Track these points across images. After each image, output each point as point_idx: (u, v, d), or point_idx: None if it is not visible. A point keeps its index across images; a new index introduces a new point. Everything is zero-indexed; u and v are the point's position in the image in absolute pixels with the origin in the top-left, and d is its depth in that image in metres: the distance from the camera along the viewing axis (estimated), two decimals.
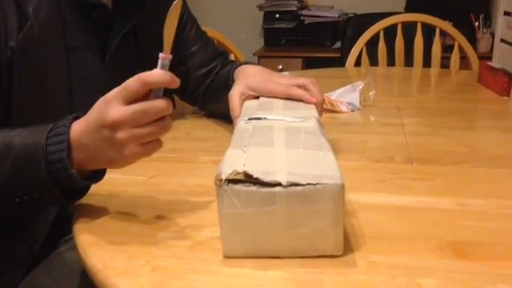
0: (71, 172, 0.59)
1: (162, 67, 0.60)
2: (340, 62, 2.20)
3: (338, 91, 1.16)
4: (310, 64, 2.85)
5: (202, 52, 1.07)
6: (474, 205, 0.66)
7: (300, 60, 2.89)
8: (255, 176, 0.50)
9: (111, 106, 0.57)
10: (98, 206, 0.68)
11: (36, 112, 0.78)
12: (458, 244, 0.56)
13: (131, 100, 0.57)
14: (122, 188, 0.73)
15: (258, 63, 2.91)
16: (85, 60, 0.83)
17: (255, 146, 0.59)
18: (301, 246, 0.53)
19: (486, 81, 1.32)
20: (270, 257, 0.53)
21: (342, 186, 0.50)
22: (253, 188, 0.50)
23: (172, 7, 0.58)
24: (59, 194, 0.61)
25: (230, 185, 0.50)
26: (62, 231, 0.79)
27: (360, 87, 1.15)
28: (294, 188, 0.50)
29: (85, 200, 0.70)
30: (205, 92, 1.06)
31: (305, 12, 2.98)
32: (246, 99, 0.84)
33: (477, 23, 2.67)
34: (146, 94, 0.58)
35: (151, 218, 0.64)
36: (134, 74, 0.71)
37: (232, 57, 1.67)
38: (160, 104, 0.57)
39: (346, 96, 1.14)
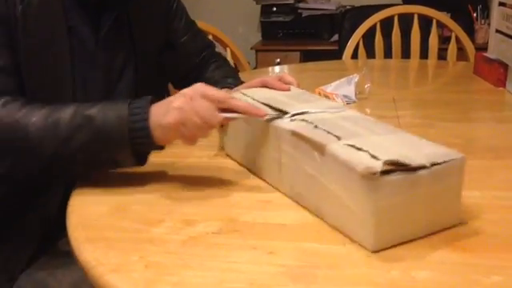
0: (152, 140, 0.67)
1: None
2: (338, 55, 2.18)
3: (334, 84, 1.15)
4: (307, 57, 2.83)
5: (192, 42, 1.09)
6: (469, 196, 0.65)
7: (298, 53, 2.88)
8: (406, 162, 0.51)
9: (212, 89, 0.69)
10: (92, 203, 0.68)
11: (40, 86, 0.79)
12: (453, 236, 0.56)
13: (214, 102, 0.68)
14: (116, 184, 0.73)
15: (256, 57, 2.90)
16: (83, 37, 0.84)
17: (355, 137, 0.58)
18: (433, 222, 0.56)
19: (482, 72, 1.31)
20: (408, 241, 0.54)
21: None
22: (402, 175, 0.51)
23: None
24: (133, 158, 0.69)
25: (384, 176, 0.50)
26: (62, 227, 0.80)
27: (355, 80, 1.14)
28: (436, 167, 0.53)
29: (79, 197, 0.70)
30: (195, 81, 1.07)
31: (302, 5, 2.96)
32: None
33: (475, 14, 2.66)
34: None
35: (145, 213, 0.64)
36: (128, 61, 0.80)
37: (229, 51, 1.66)
38: (216, 121, 0.68)
39: (342, 89, 1.14)
